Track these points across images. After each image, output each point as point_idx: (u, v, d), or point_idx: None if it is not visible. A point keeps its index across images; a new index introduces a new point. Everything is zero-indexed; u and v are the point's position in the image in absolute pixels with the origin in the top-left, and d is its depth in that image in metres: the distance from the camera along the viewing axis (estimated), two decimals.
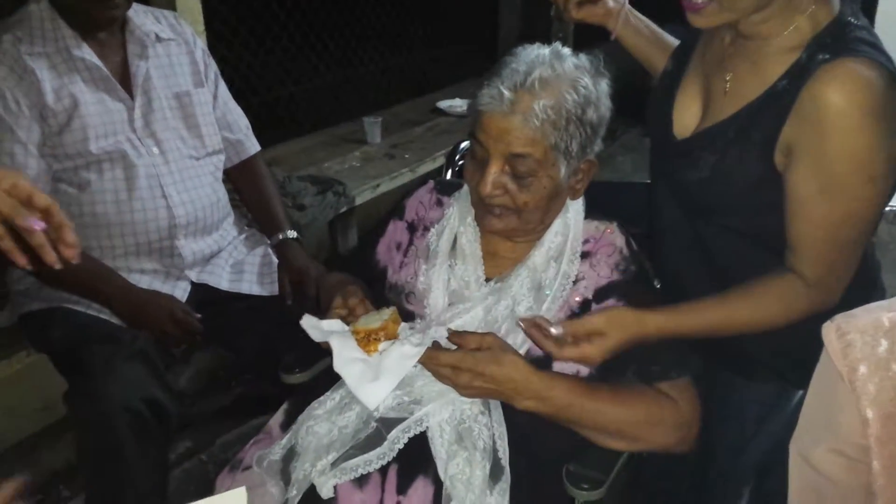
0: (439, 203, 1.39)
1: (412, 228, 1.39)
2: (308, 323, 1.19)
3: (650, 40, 1.47)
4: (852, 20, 1.11)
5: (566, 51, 1.23)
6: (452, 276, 1.30)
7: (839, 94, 1.04)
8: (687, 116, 1.26)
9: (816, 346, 0.93)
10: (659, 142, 1.32)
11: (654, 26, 1.49)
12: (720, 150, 1.19)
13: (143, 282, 1.73)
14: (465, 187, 1.36)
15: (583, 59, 1.23)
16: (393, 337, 1.15)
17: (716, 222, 1.14)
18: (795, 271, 1.13)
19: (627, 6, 1.48)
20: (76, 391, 1.57)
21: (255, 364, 1.95)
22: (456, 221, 1.34)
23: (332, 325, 1.18)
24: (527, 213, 1.24)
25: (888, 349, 0.85)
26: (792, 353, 1.19)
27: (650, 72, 1.45)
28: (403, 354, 1.12)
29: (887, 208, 1.92)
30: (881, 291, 1.31)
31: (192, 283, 1.81)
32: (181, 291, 1.78)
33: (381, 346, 1.14)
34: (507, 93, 1.17)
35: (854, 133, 1.04)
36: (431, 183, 1.44)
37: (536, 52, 1.22)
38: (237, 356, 1.98)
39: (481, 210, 1.26)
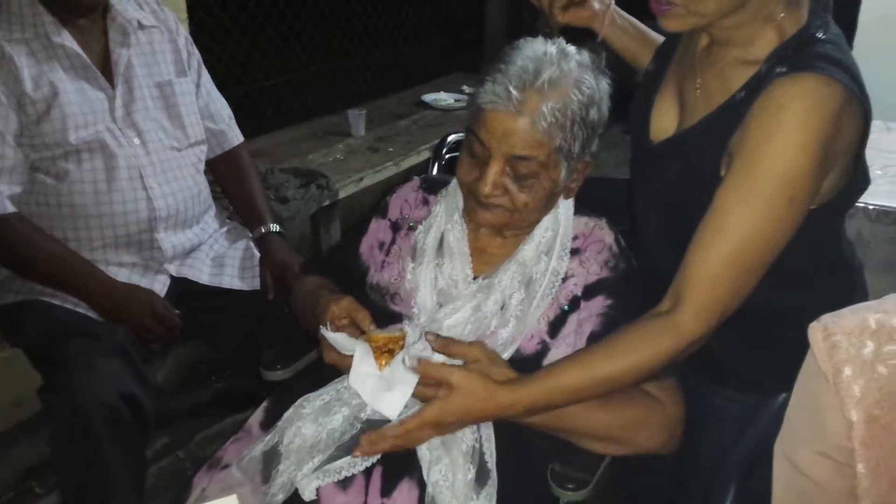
0: (425, 202, 1.37)
1: (396, 227, 1.37)
2: (330, 336, 1.15)
3: (637, 40, 1.46)
4: (819, 34, 1.09)
5: (571, 49, 1.21)
6: (440, 274, 1.28)
7: (786, 109, 1.03)
8: (664, 120, 1.26)
9: (794, 356, 0.92)
10: (636, 143, 1.32)
11: (640, 25, 1.48)
12: (683, 157, 1.19)
13: (122, 275, 1.70)
14: (452, 184, 1.34)
15: (585, 56, 1.21)
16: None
17: (690, 223, 1.14)
18: (671, 298, 1.10)
19: (613, 6, 1.47)
20: (51, 386, 1.54)
21: (235, 359, 1.93)
22: (443, 219, 1.32)
23: (338, 338, 1.14)
24: (521, 215, 1.23)
25: (874, 351, 0.85)
26: (768, 366, 1.19)
27: (638, 71, 1.44)
28: (407, 367, 1.11)
29: (871, 206, 1.95)
30: (862, 293, 1.31)
31: (172, 277, 1.78)
32: (160, 285, 1.75)
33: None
34: (515, 92, 1.13)
35: (791, 150, 1.03)
36: (417, 180, 1.42)
37: (544, 50, 1.18)
38: (216, 351, 1.96)
39: (473, 204, 1.24)
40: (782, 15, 1.11)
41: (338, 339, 1.13)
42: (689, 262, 1.09)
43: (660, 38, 1.42)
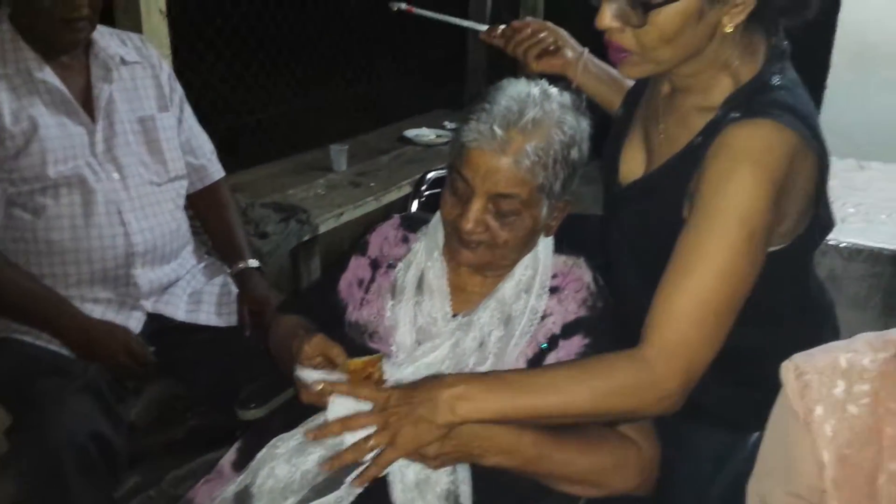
0: (405, 239, 1.37)
1: (375, 265, 1.37)
2: (305, 376, 1.13)
3: (610, 85, 1.49)
4: (773, 80, 1.12)
5: (553, 90, 1.23)
6: (419, 312, 1.28)
7: (739, 152, 1.06)
8: (632, 163, 1.28)
9: (767, 395, 0.93)
10: (607, 185, 1.34)
11: (612, 71, 1.51)
12: (650, 200, 1.21)
13: (96, 311, 1.68)
14: (432, 222, 1.35)
15: (567, 97, 1.23)
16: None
17: (662, 264, 1.15)
18: (643, 341, 1.09)
19: (586, 54, 1.50)
20: (20, 426, 1.51)
21: (211, 397, 1.91)
22: (423, 257, 1.32)
23: (312, 375, 1.13)
24: (502, 251, 1.23)
25: (845, 391, 0.86)
26: (742, 404, 1.19)
27: (612, 115, 1.47)
28: None
29: (843, 244, 1.98)
30: (833, 332, 1.33)
31: (148, 314, 1.76)
32: (135, 322, 1.73)
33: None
34: (499, 131, 1.15)
35: (745, 189, 1.04)
36: (397, 218, 1.42)
37: (527, 91, 1.20)
38: (192, 388, 1.93)
39: (456, 243, 1.25)
40: (737, 63, 1.14)
41: (314, 377, 1.12)
42: (656, 304, 1.09)
43: (631, 84, 1.45)
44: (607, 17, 1.09)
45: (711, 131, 1.12)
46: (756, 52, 1.15)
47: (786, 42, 1.17)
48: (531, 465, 1.13)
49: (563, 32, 1.54)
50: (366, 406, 1.09)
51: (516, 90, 1.20)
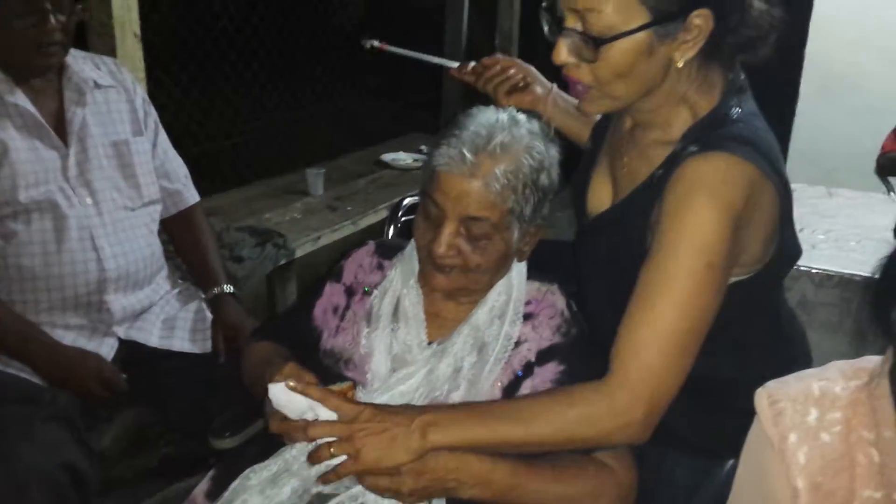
0: (380, 266, 1.37)
1: (350, 292, 1.37)
2: (277, 398, 1.11)
3: (578, 120, 1.52)
4: (731, 113, 1.15)
5: (521, 116, 1.25)
6: (395, 339, 1.28)
7: (696, 184, 1.08)
8: (599, 195, 1.31)
9: (741, 423, 0.94)
10: (577, 219, 1.37)
11: None
12: (615, 231, 1.24)
13: (68, 338, 1.66)
14: (407, 249, 1.35)
15: (535, 125, 1.25)
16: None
17: (630, 293, 1.17)
18: (608, 372, 1.11)
19: (555, 90, 1.54)
20: None
21: (184, 424, 1.88)
22: (399, 284, 1.32)
23: (290, 398, 1.11)
24: (475, 274, 1.24)
25: (818, 418, 0.87)
26: (717, 432, 1.20)
27: (582, 148, 1.50)
28: None
29: (814, 270, 2.02)
30: (806, 358, 1.35)
31: (120, 340, 1.74)
32: (108, 349, 1.71)
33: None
34: (469, 155, 1.17)
35: (702, 219, 1.07)
36: (372, 245, 1.42)
37: (496, 117, 1.23)
38: (164, 416, 1.90)
39: (429, 268, 1.25)
40: (695, 97, 1.17)
41: (289, 400, 1.10)
42: (620, 334, 1.10)
43: (598, 118, 1.48)
44: (563, 53, 1.12)
45: (671, 164, 1.14)
46: (713, 86, 1.18)
47: (743, 76, 1.20)
48: (507, 496, 1.13)
49: (533, 69, 1.59)
50: (330, 415, 1.08)
51: (486, 117, 1.23)
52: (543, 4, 1.16)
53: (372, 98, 4.03)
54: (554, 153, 1.25)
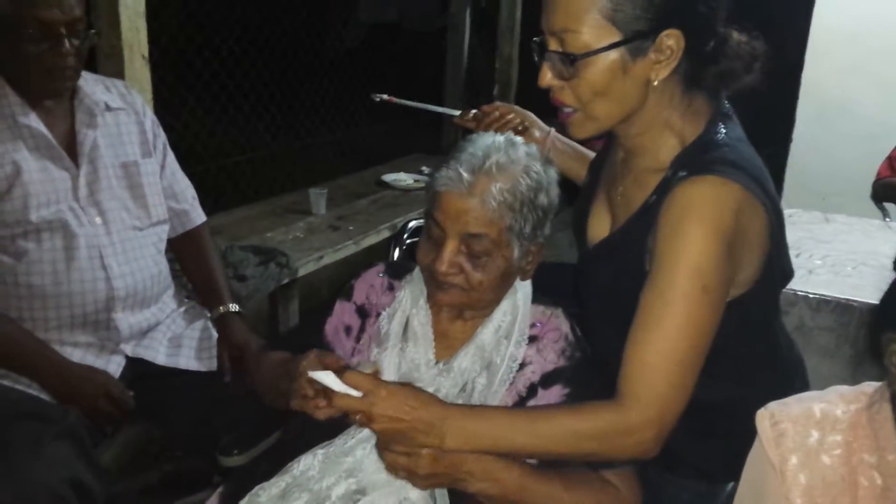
0: (391, 287, 1.40)
1: (364, 313, 1.39)
2: (317, 375, 1.13)
3: (577, 160, 1.60)
4: (717, 139, 1.20)
5: (519, 139, 1.30)
6: (403, 359, 1.31)
7: (687, 208, 1.12)
8: (598, 225, 1.36)
9: (741, 446, 0.96)
10: (579, 247, 1.42)
11: (579, 147, 1.63)
12: (614, 258, 1.28)
13: (76, 356, 1.67)
14: (416, 270, 1.38)
15: (533, 147, 1.30)
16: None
17: (632, 318, 1.20)
18: (618, 392, 1.14)
19: (553, 133, 1.62)
20: None
21: (188, 441, 1.89)
22: (408, 304, 1.35)
23: (321, 375, 1.13)
24: (477, 294, 1.27)
25: (818, 440, 0.89)
26: (717, 454, 1.23)
27: (580, 186, 1.54)
28: None
29: (811, 295, 2.05)
30: (804, 384, 1.37)
31: (127, 358, 1.75)
32: (115, 366, 1.72)
33: None
34: (466, 175, 1.21)
35: (694, 243, 1.11)
36: (382, 266, 1.45)
37: (492, 140, 1.28)
38: (169, 432, 1.91)
39: (433, 286, 1.29)
40: (681, 124, 1.22)
41: (322, 376, 1.12)
42: (626, 357, 1.15)
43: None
44: (547, 76, 1.19)
45: (663, 190, 1.19)
46: (699, 114, 1.23)
47: (728, 105, 1.25)
48: (514, 496, 1.15)
49: (530, 114, 1.68)
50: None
51: (483, 140, 1.28)
52: (534, 38, 1.22)
53: (373, 119, 4.07)
54: (553, 174, 1.29)
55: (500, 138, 1.28)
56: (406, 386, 1.14)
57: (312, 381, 1.12)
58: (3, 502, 1.41)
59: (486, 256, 1.23)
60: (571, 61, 1.14)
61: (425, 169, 3.78)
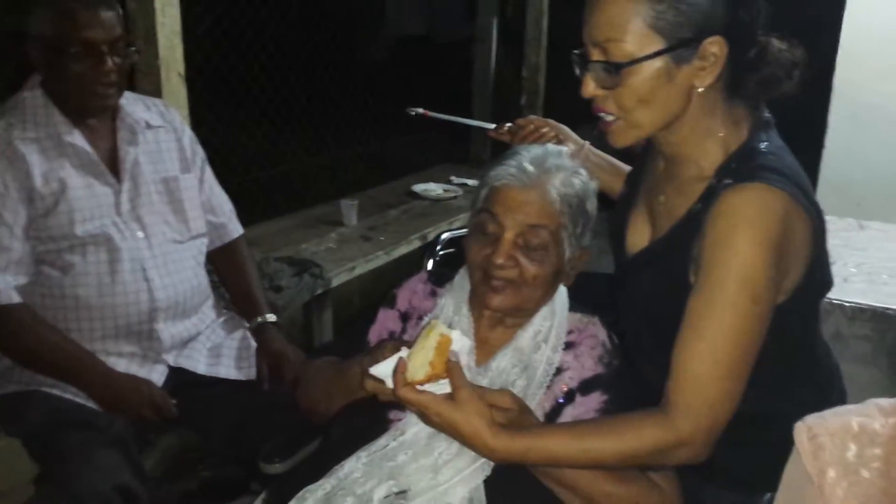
0: (433, 293, 1.42)
1: (405, 318, 1.42)
2: (377, 370, 1.16)
3: (610, 173, 1.60)
4: (761, 146, 1.20)
5: (564, 149, 1.36)
6: None
7: (735, 216, 1.13)
8: (638, 235, 1.36)
9: (778, 456, 0.96)
10: (616, 257, 1.43)
11: (612, 160, 1.63)
12: (655, 266, 1.29)
13: (121, 365, 1.72)
14: (457, 278, 1.40)
15: (576, 161, 1.35)
16: (440, 374, 1.13)
17: (671, 328, 1.21)
18: (666, 402, 1.15)
19: (587, 146, 1.63)
20: (49, 477, 1.54)
21: (226, 449, 1.93)
22: (450, 311, 1.37)
23: (383, 367, 1.16)
24: (529, 289, 1.28)
25: (857, 454, 0.89)
26: (754, 464, 1.23)
27: (613, 199, 1.56)
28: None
29: (847, 304, 2.03)
30: (840, 394, 1.37)
31: (170, 367, 1.80)
32: (158, 375, 1.77)
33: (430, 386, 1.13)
34: (530, 167, 1.27)
35: (744, 251, 1.11)
36: (424, 273, 1.48)
37: (544, 147, 1.34)
38: (208, 439, 1.96)
39: (484, 287, 1.30)
40: (723, 132, 1.22)
41: (383, 368, 1.15)
42: (674, 366, 1.15)
43: (629, 169, 1.55)
44: (590, 86, 1.20)
45: (708, 198, 1.19)
46: (740, 122, 1.23)
47: (768, 113, 1.25)
48: (562, 473, 1.17)
49: (565, 128, 1.69)
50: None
51: (535, 147, 1.34)
52: (574, 50, 1.23)
53: (403, 130, 4.11)
54: (595, 185, 1.35)
55: (550, 146, 1.35)
56: (477, 404, 1.12)
57: (373, 378, 1.15)
58: None
59: (542, 250, 1.26)
60: (616, 70, 1.15)
61: (454, 178, 3.81)
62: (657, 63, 1.14)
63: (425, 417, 1.14)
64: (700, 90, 1.17)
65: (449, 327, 1.30)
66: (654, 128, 1.21)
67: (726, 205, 1.14)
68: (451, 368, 1.12)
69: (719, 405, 1.13)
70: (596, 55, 1.17)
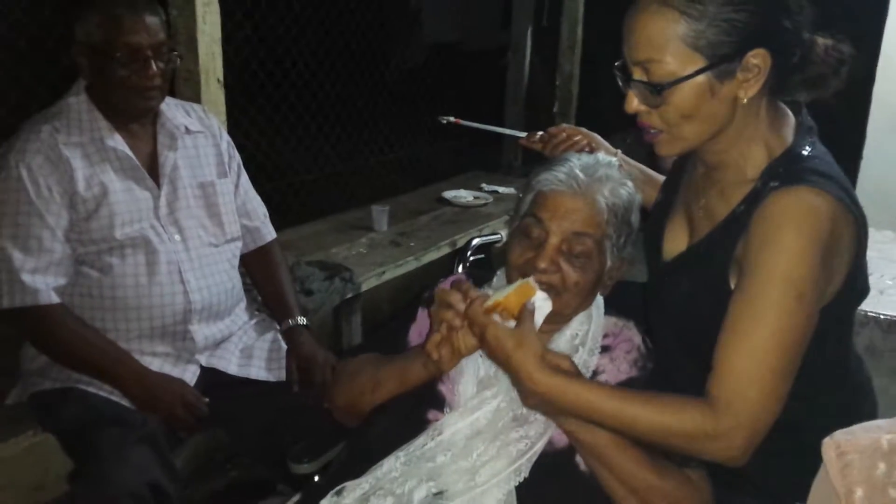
0: None
1: None
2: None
3: (643, 182, 1.59)
4: (805, 150, 1.20)
5: (615, 159, 1.36)
6: (482, 363, 1.32)
7: (783, 217, 1.12)
8: (675, 240, 1.36)
9: (806, 465, 0.96)
10: (650, 264, 1.42)
11: (645, 169, 1.63)
12: (694, 270, 1.28)
13: (155, 364, 1.77)
14: (494, 280, 1.40)
15: (623, 171, 1.35)
16: (512, 314, 1.19)
17: (705, 333, 1.20)
18: (709, 396, 1.14)
19: (620, 154, 1.62)
20: (83, 473, 1.58)
21: (255, 449, 1.96)
22: None
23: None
24: (569, 296, 1.28)
25: (885, 473, 0.88)
26: (781, 473, 1.22)
27: (646, 207, 1.55)
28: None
29: (882, 316, 1.99)
30: (872, 405, 1.36)
31: (202, 367, 1.84)
32: (190, 375, 1.81)
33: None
34: (581, 175, 1.27)
35: (791, 252, 1.11)
36: (462, 274, 1.49)
37: (591, 157, 1.34)
38: (237, 439, 1.99)
39: None
40: (767, 137, 1.22)
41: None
42: (716, 362, 1.14)
43: (660, 179, 1.56)
44: (634, 102, 1.20)
45: (753, 200, 1.19)
46: (784, 127, 1.23)
47: (811, 120, 1.25)
48: (603, 450, 1.17)
49: (597, 136, 1.69)
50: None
51: (585, 156, 1.35)
52: (616, 63, 1.23)
53: (434, 137, 4.14)
54: (639, 198, 1.35)
55: (601, 155, 1.36)
56: (536, 342, 1.16)
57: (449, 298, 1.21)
58: (89, 501, 1.50)
59: (585, 258, 1.26)
60: (658, 91, 1.15)
61: (485, 186, 3.81)
62: (699, 80, 1.14)
63: (483, 340, 1.16)
64: (745, 101, 1.17)
65: None
66: (699, 140, 1.21)
67: (774, 206, 1.14)
68: (522, 311, 1.16)
69: (761, 406, 1.11)
70: (638, 74, 1.18)
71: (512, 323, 1.18)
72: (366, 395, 1.35)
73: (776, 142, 1.22)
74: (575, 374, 1.17)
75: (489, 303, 1.18)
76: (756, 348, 1.11)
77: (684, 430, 1.12)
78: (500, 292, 1.21)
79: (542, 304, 1.20)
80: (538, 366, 1.13)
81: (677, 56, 1.13)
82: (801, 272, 1.11)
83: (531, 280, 1.22)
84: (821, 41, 1.19)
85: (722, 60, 1.13)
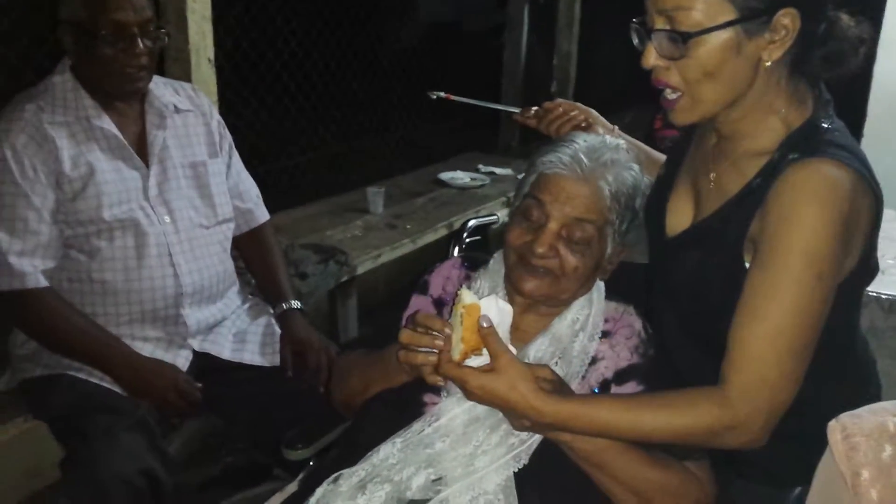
0: (467, 278, 1.40)
1: (440, 304, 1.39)
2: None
3: (640, 161, 1.54)
4: (824, 123, 1.16)
5: (622, 142, 1.32)
6: None
7: (803, 191, 1.09)
8: (679, 216, 1.32)
9: (811, 449, 0.93)
10: (653, 241, 1.38)
11: (642, 146, 1.59)
12: (702, 246, 1.24)
13: (146, 350, 1.74)
14: (491, 263, 1.37)
15: (632, 154, 1.31)
16: (480, 346, 1.10)
17: (708, 314, 1.17)
18: (724, 382, 1.11)
19: (617, 131, 1.59)
20: (73, 460, 1.55)
21: (249, 434, 1.94)
22: (486, 294, 1.33)
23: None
24: (567, 281, 1.26)
25: (892, 455, 0.87)
26: (785, 458, 1.20)
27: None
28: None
29: (884, 296, 1.97)
30: (876, 387, 1.33)
31: (195, 352, 1.81)
32: (183, 360, 1.78)
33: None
34: (585, 160, 1.23)
35: (812, 228, 1.07)
36: (458, 258, 1.45)
37: (598, 139, 1.30)
38: (231, 425, 1.97)
39: (518, 270, 1.27)
40: (785, 109, 1.18)
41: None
42: (732, 344, 1.11)
43: (660, 157, 1.53)
44: (652, 56, 1.15)
45: (770, 173, 1.15)
46: (803, 99, 1.19)
47: (829, 94, 1.21)
48: (602, 456, 1.14)
49: (594, 112, 1.64)
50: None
51: (592, 137, 1.30)
52: (634, 19, 1.18)
53: (430, 118, 4.10)
54: (647, 181, 1.31)
55: (607, 138, 1.31)
56: (521, 368, 1.10)
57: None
58: (80, 488, 1.48)
59: (584, 244, 1.23)
60: (683, 40, 1.11)
61: (482, 167, 3.78)
62: (726, 34, 1.10)
63: (468, 393, 1.11)
64: (767, 64, 1.13)
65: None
66: (718, 105, 1.17)
67: (793, 179, 1.10)
68: (484, 336, 1.09)
69: (779, 387, 1.09)
70: (661, 23, 1.12)
71: (484, 354, 1.10)
72: (356, 397, 1.33)
73: (795, 114, 1.18)
74: (569, 390, 1.14)
75: (456, 355, 1.10)
76: (773, 329, 1.08)
77: (704, 426, 1.10)
78: (456, 331, 1.10)
79: (499, 313, 1.11)
80: (539, 396, 1.08)
81: (708, 4, 1.09)
82: (821, 249, 1.07)
83: (465, 295, 1.11)
84: (845, 18, 1.16)
85: (753, 15, 1.09)
